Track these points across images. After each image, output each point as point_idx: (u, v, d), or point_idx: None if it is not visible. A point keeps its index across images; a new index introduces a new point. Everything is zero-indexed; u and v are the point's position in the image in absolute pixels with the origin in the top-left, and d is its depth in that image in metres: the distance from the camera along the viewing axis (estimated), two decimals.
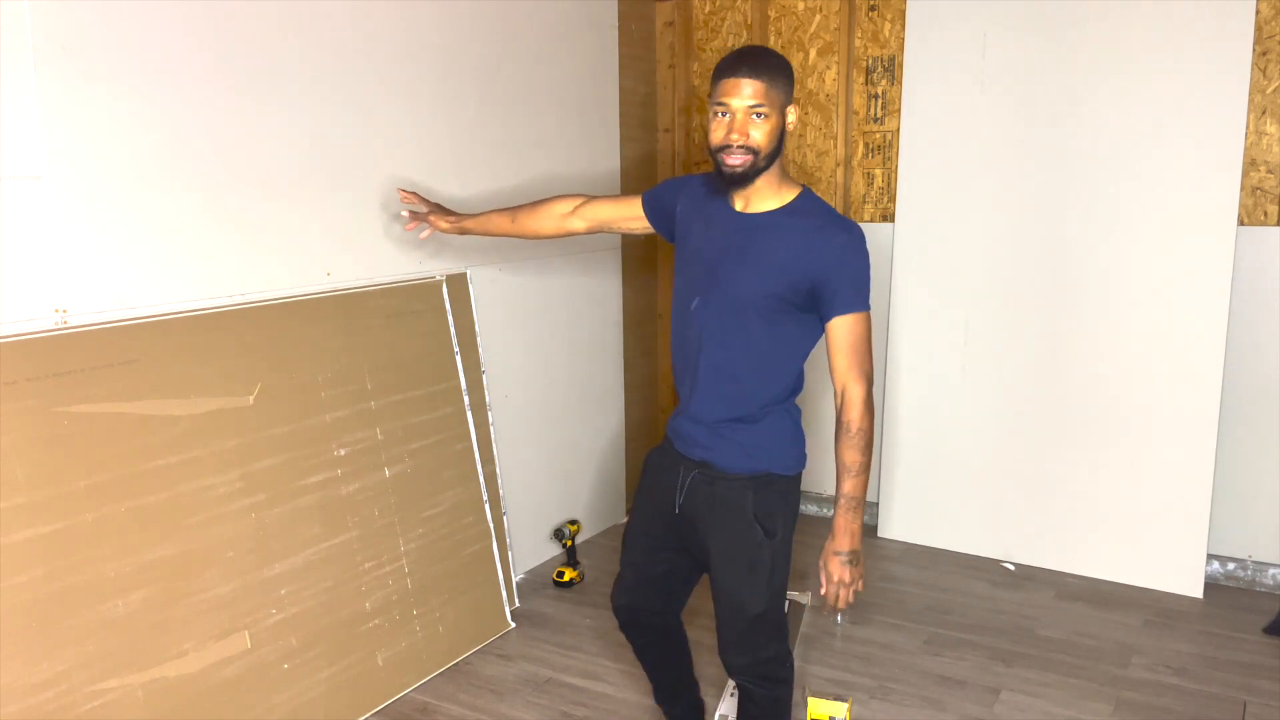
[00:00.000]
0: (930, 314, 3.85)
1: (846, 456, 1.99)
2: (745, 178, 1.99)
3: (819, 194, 4.11)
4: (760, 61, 1.95)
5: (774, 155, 1.99)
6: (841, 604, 2.06)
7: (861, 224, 4.07)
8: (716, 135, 1.97)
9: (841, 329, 1.97)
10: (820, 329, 2.02)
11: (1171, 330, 3.42)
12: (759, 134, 1.95)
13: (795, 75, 4.11)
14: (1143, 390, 3.48)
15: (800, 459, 2.15)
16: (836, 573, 2.04)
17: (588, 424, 3.96)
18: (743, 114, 1.94)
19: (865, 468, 2.00)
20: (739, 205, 2.06)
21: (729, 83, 1.95)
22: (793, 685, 2.23)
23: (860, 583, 2.06)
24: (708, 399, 2.09)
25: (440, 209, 2.79)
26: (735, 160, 1.96)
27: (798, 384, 2.12)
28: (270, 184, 2.65)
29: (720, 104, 1.96)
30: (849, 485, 2.00)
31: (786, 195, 2.03)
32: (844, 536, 2.03)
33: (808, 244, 1.98)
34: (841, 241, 1.99)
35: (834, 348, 1.99)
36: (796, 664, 3.01)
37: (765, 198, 2.03)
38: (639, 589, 2.30)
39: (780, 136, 1.98)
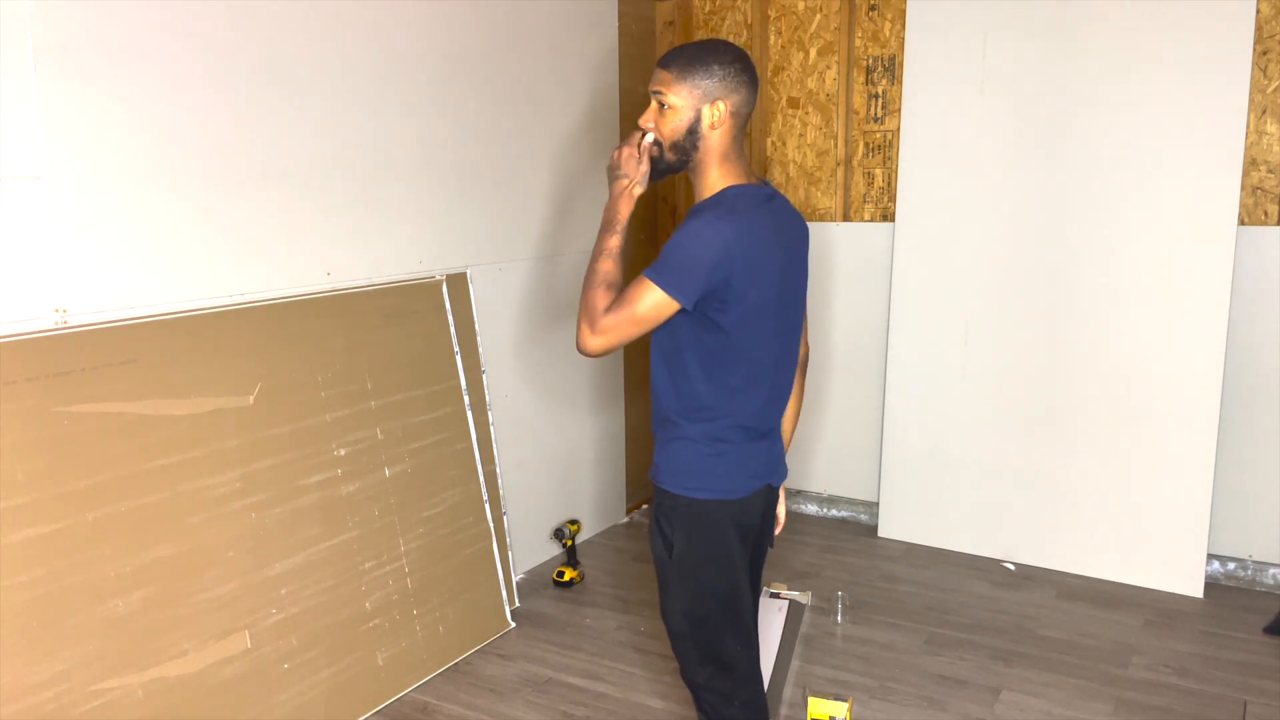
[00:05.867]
0: (930, 314, 3.85)
1: (608, 264, 1.88)
2: (655, 162, 1.93)
3: (818, 194, 4.13)
4: (679, 53, 1.90)
5: (683, 150, 1.90)
6: (623, 157, 1.94)
7: (861, 224, 4.07)
8: None
9: (635, 280, 1.84)
10: (709, 336, 1.86)
11: (1172, 330, 3.42)
12: (661, 123, 1.89)
13: (795, 75, 4.13)
14: (1143, 390, 3.48)
15: (713, 487, 1.92)
16: (629, 183, 1.93)
17: (588, 424, 3.96)
18: (654, 102, 1.90)
19: (592, 260, 1.88)
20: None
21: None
22: None
23: (623, 156, 1.93)
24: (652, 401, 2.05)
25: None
26: (654, 149, 1.93)
27: (704, 400, 1.89)
28: (270, 183, 2.65)
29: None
30: (612, 243, 1.88)
31: (716, 188, 1.92)
32: (626, 208, 1.92)
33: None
34: (683, 224, 1.85)
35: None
36: (796, 664, 3.01)
37: (700, 191, 1.96)
38: None
39: (687, 132, 1.88)
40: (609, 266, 1.87)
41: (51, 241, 2.18)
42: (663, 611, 2.05)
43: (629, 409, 4.21)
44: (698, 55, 1.89)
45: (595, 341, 1.83)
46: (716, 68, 1.88)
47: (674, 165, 1.94)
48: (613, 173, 1.95)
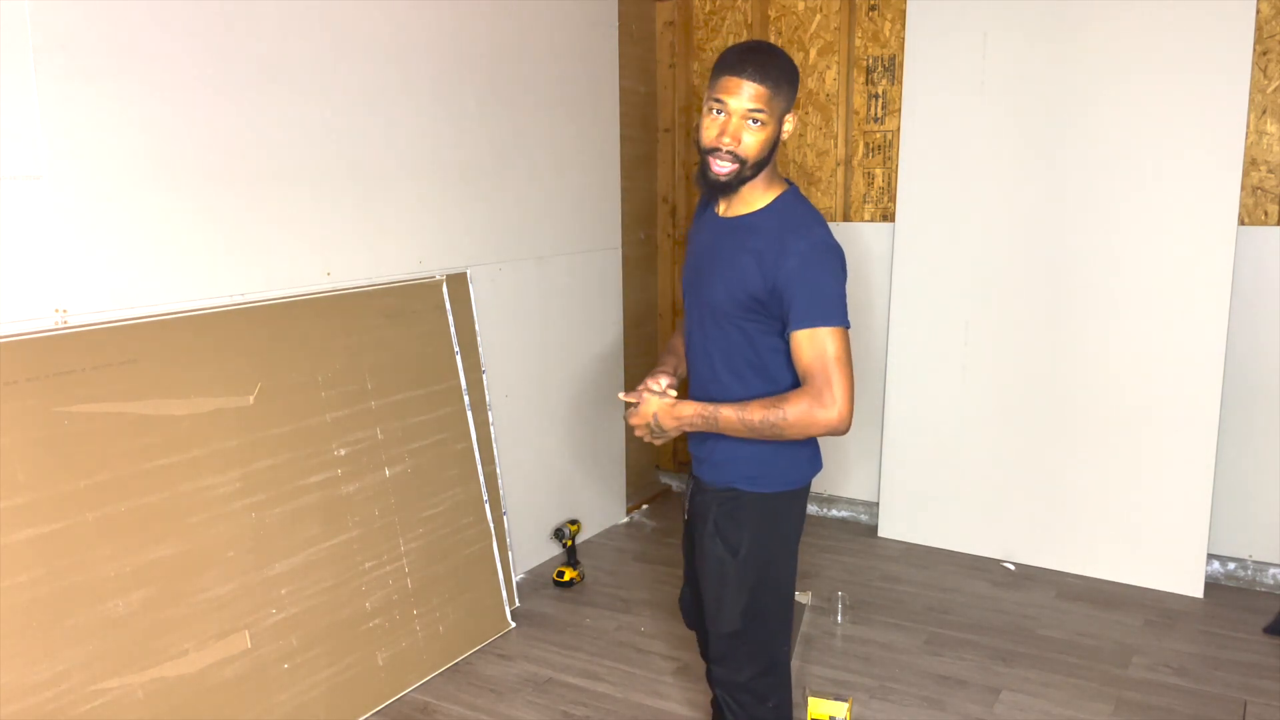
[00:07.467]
0: (930, 314, 3.85)
1: (755, 408, 1.83)
2: (728, 186, 1.86)
3: (818, 194, 4.13)
4: (769, 64, 1.80)
5: (763, 165, 1.85)
6: (637, 430, 2.00)
7: (861, 224, 4.07)
8: (708, 134, 1.83)
9: (799, 345, 1.82)
10: None
11: (1172, 330, 3.42)
12: (752, 141, 1.82)
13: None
14: (1143, 390, 3.48)
15: (782, 479, 1.97)
16: (656, 412, 1.95)
17: (588, 424, 3.96)
18: (739, 117, 1.80)
19: (751, 429, 1.84)
20: (721, 209, 1.98)
21: (731, 81, 1.79)
22: None
23: (649, 431, 1.98)
24: None
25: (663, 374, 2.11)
26: (722, 168, 1.83)
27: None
28: (270, 183, 2.65)
29: (718, 101, 1.81)
30: (730, 412, 1.85)
31: (768, 197, 1.91)
32: (687, 408, 1.91)
33: (770, 249, 1.84)
34: (798, 250, 1.82)
35: (795, 364, 1.85)
36: (796, 664, 3.01)
37: (747, 201, 1.92)
38: (686, 591, 2.28)
39: (773, 146, 1.85)
40: (759, 412, 1.84)
41: (51, 241, 2.19)
42: (715, 615, 2.03)
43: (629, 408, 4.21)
44: (784, 67, 1.84)
45: (843, 411, 1.80)
46: (795, 76, 1.86)
47: (749, 178, 1.88)
48: (657, 429, 1.96)
